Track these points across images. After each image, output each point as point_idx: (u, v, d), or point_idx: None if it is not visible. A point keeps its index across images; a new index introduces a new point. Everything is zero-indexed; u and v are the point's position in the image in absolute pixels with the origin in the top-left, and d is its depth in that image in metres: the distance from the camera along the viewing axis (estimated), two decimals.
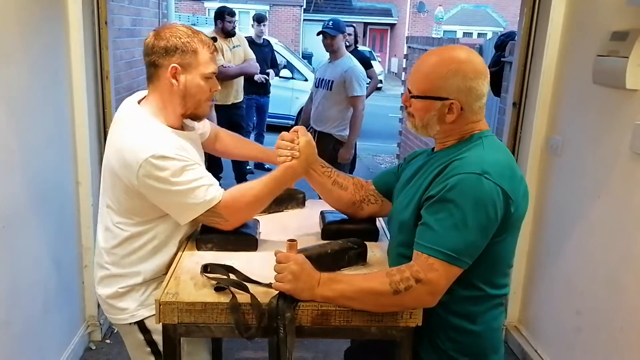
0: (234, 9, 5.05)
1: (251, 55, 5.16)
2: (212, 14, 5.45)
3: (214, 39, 1.69)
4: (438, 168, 1.37)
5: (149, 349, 1.68)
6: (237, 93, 5.02)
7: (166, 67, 1.54)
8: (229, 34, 4.93)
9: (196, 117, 1.66)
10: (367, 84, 4.50)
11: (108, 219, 1.63)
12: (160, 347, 1.63)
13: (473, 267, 1.32)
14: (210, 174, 1.59)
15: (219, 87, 1.67)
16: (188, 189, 1.50)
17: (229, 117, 4.85)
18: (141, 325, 1.65)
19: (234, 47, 4.97)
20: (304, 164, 1.62)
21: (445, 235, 1.28)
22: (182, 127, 1.68)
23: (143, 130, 1.54)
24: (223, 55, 4.79)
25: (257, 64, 5.24)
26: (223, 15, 4.90)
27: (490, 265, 1.37)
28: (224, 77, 4.76)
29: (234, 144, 2.02)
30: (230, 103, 4.94)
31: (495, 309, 1.45)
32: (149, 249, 1.62)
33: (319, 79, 4.20)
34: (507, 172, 1.33)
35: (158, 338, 1.65)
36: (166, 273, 1.64)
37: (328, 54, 4.16)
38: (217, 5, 20.00)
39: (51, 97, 2.38)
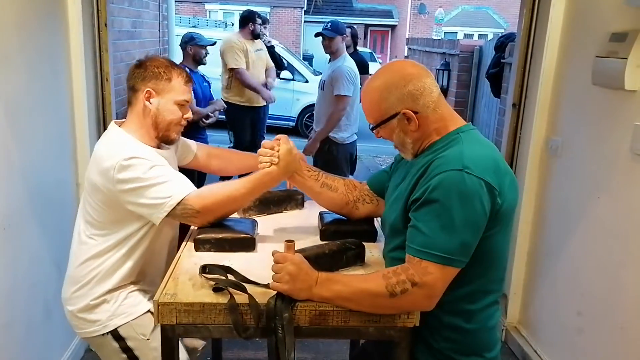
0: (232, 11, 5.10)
1: (271, 64, 5.22)
2: (213, 16, 5.49)
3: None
4: (421, 170, 1.38)
5: (125, 356, 1.71)
6: (259, 97, 5.04)
7: (142, 90, 1.69)
8: (256, 36, 5.01)
9: (167, 140, 1.76)
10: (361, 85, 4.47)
11: (84, 233, 1.71)
12: (136, 353, 1.69)
13: (468, 264, 1.32)
14: (181, 174, 1.68)
15: (191, 115, 1.80)
16: (157, 183, 1.59)
17: (251, 118, 4.95)
18: (115, 333, 1.70)
19: (257, 50, 5.03)
20: (282, 170, 1.66)
21: (435, 237, 1.28)
22: (159, 147, 1.76)
23: (118, 141, 1.67)
24: (248, 56, 4.85)
25: (271, 94, 5.08)
26: (254, 18, 4.98)
27: (484, 262, 1.37)
28: (239, 77, 4.82)
29: (228, 156, 2.11)
30: (254, 105, 4.98)
31: (491, 307, 1.45)
32: (119, 258, 1.69)
33: (320, 79, 4.24)
34: (489, 164, 1.32)
35: (133, 344, 1.70)
36: (134, 282, 1.74)
37: (328, 55, 4.18)
38: (218, 7, 19.92)
39: (51, 99, 2.38)
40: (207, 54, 4.33)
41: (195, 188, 1.64)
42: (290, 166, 1.67)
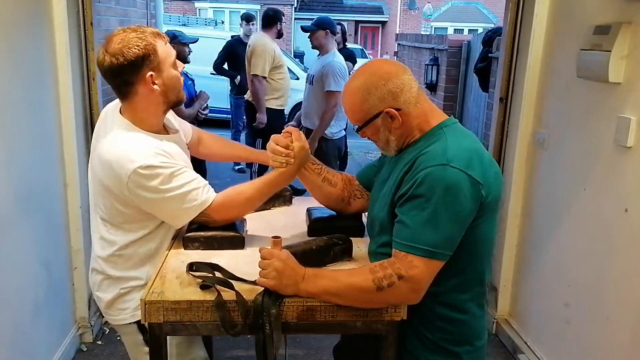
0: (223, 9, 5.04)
1: None
2: (203, 14, 5.42)
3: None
4: (406, 166, 1.39)
5: (146, 349, 1.67)
6: (286, 99, 5.01)
7: (142, 79, 1.52)
8: (280, 36, 4.94)
9: (179, 103, 1.66)
10: None
11: (103, 229, 1.64)
12: None
13: (456, 255, 1.33)
14: (199, 176, 1.60)
15: (184, 64, 1.67)
16: (180, 194, 1.52)
17: (283, 120, 4.91)
18: (140, 325, 1.66)
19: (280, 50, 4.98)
20: (297, 168, 1.65)
21: (420, 231, 1.30)
22: (166, 131, 1.69)
23: (127, 141, 1.54)
24: (276, 60, 4.73)
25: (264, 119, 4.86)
26: (280, 17, 4.87)
27: (472, 251, 1.39)
28: (255, 84, 4.65)
29: (218, 145, 2.04)
30: (283, 107, 4.98)
31: (481, 296, 1.47)
32: (147, 253, 1.64)
33: (308, 74, 4.26)
34: (473, 158, 1.34)
35: None
36: None
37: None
38: (208, 5, 19.69)
39: (37, 99, 2.37)
40: (190, 51, 4.27)
41: (214, 192, 1.59)
42: (303, 162, 1.66)
